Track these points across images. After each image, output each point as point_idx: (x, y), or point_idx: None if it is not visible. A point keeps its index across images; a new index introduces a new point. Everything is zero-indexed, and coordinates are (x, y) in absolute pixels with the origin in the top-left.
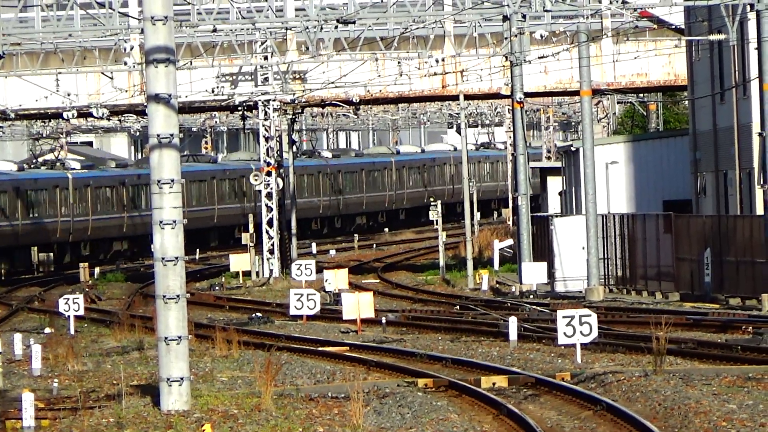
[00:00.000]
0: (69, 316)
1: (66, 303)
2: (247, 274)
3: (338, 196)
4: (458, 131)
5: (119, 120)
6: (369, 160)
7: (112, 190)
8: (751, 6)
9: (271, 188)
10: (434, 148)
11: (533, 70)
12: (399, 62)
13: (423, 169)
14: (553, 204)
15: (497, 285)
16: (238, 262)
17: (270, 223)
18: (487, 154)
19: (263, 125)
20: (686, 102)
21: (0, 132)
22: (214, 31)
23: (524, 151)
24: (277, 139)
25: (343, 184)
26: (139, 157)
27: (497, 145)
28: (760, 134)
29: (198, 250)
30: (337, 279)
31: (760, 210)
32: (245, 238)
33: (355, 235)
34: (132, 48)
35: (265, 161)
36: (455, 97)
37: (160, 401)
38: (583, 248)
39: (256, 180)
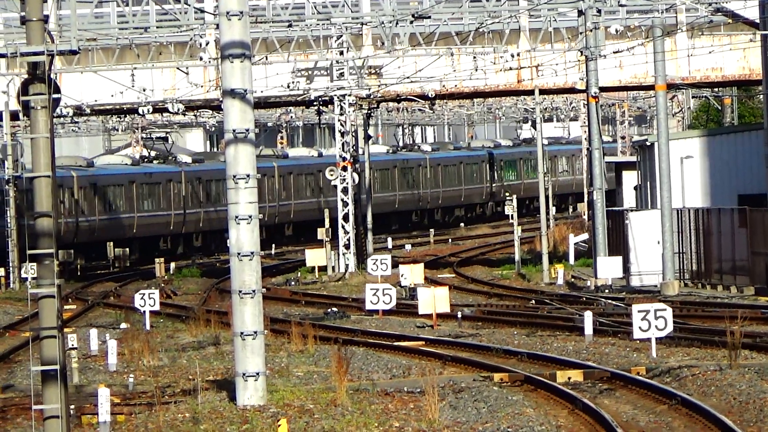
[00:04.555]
0: (144, 312)
1: (141, 298)
2: (322, 269)
3: (437, 189)
4: (534, 126)
5: (194, 115)
6: (467, 154)
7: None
8: None
9: (347, 183)
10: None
11: (608, 64)
12: (474, 57)
13: (519, 163)
14: (628, 198)
15: (572, 279)
16: (314, 257)
17: (346, 218)
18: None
19: (339, 120)
20: (761, 96)
21: (76, 127)
22: (290, 26)
23: (599, 146)
24: (353, 133)
25: (442, 177)
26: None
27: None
28: None
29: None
30: (412, 274)
31: None
32: (321, 233)
33: (431, 230)
34: (207, 43)
35: (340, 156)
36: (530, 92)
37: (236, 396)
38: (658, 242)
39: (331, 175)
